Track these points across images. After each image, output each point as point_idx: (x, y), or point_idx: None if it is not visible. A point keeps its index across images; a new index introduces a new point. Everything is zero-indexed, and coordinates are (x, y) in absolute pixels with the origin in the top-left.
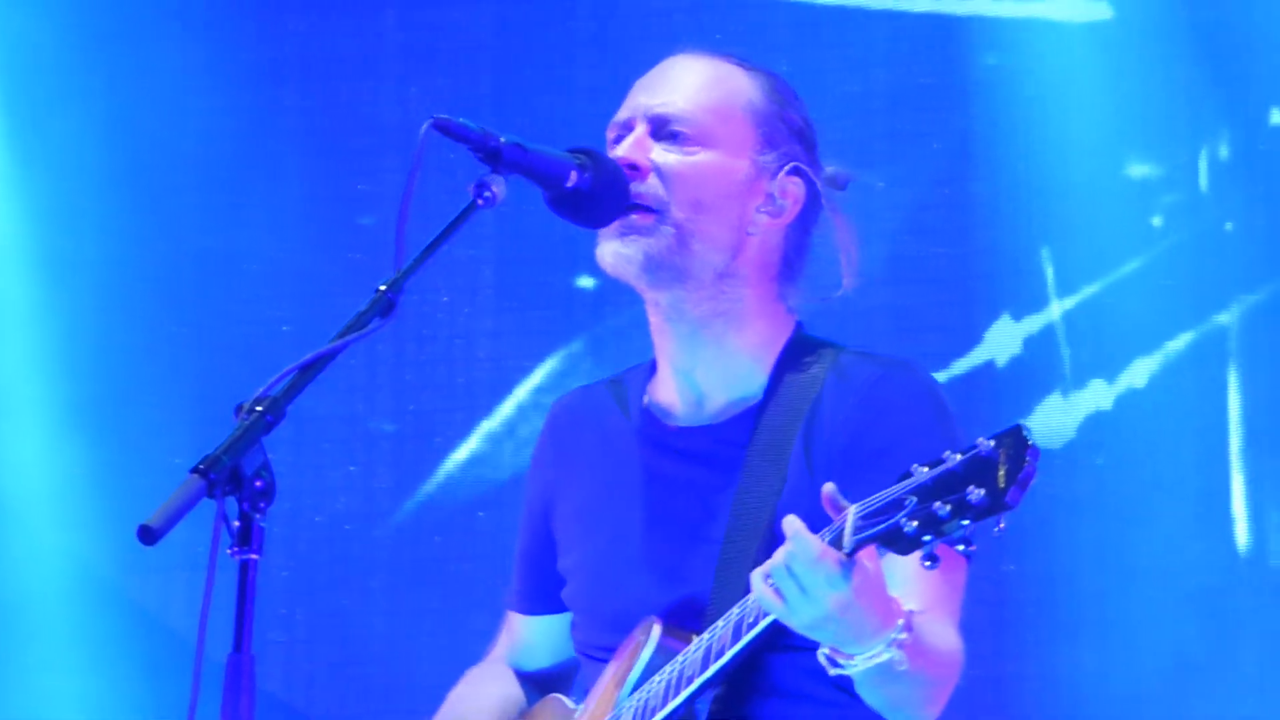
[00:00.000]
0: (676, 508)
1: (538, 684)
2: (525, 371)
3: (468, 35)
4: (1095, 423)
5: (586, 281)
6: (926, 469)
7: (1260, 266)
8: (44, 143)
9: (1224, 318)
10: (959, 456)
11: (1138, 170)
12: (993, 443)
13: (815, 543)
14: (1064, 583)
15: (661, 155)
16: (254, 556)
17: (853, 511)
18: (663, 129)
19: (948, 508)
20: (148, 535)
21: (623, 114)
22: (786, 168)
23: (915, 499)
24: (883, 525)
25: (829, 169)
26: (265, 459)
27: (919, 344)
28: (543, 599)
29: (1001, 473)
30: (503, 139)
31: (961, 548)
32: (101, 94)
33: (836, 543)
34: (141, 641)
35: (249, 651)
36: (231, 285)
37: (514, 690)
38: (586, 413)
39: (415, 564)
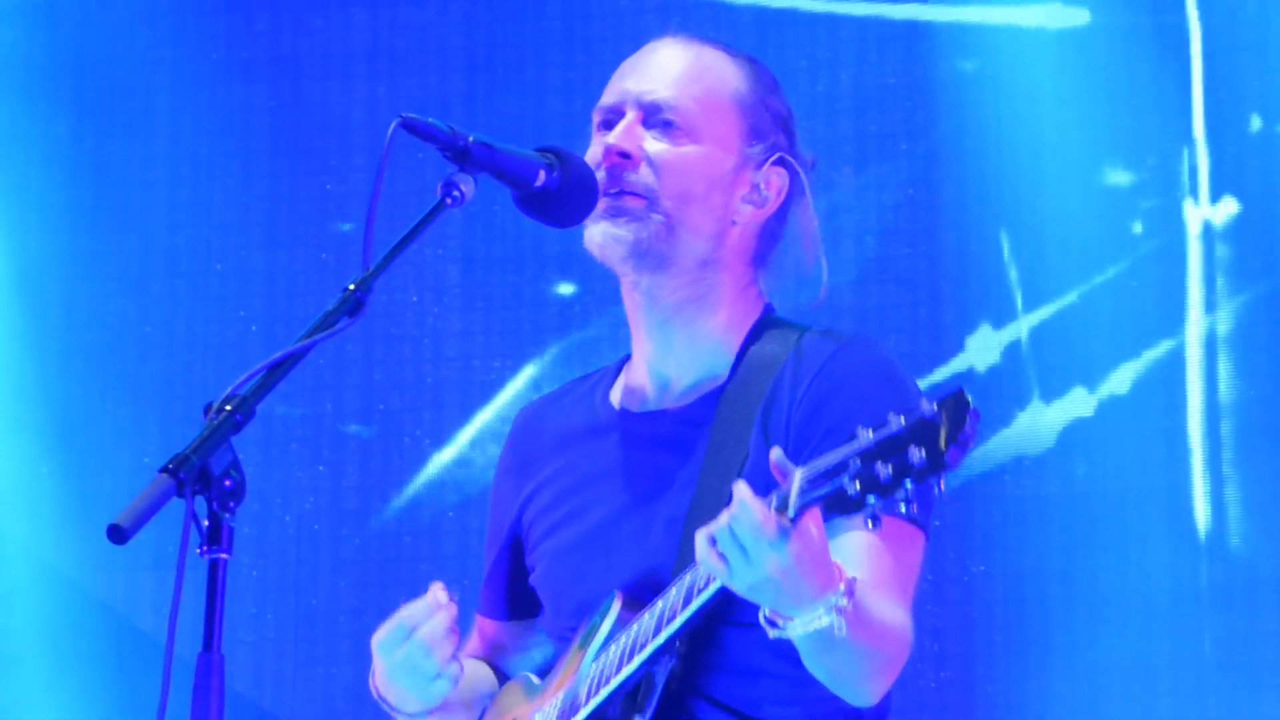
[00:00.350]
0: (641, 490)
1: None
2: (493, 372)
3: (437, 34)
4: (1076, 430)
5: (566, 288)
6: (871, 432)
7: (1242, 272)
8: (10, 140)
9: (1205, 324)
10: (902, 419)
11: (1117, 176)
12: (935, 406)
13: (758, 506)
14: (1032, 585)
15: (652, 144)
16: (224, 556)
17: (798, 475)
18: (653, 117)
19: (889, 469)
20: (117, 534)
21: (610, 98)
22: (772, 159)
23: (859, 461)
24: (827, 488)
25: (808, 155)
26: (234, 458)
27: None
28: (508, 605)
29: (943, 434)
30: (471, 138)
31: (904, 508)
32: (68, 91)
33: (783, 506)
34: (110, 641)
35: (219, 651)
36: (199, 284)
37: (486, 671)
38: (551, 415)
39: (384, 564)
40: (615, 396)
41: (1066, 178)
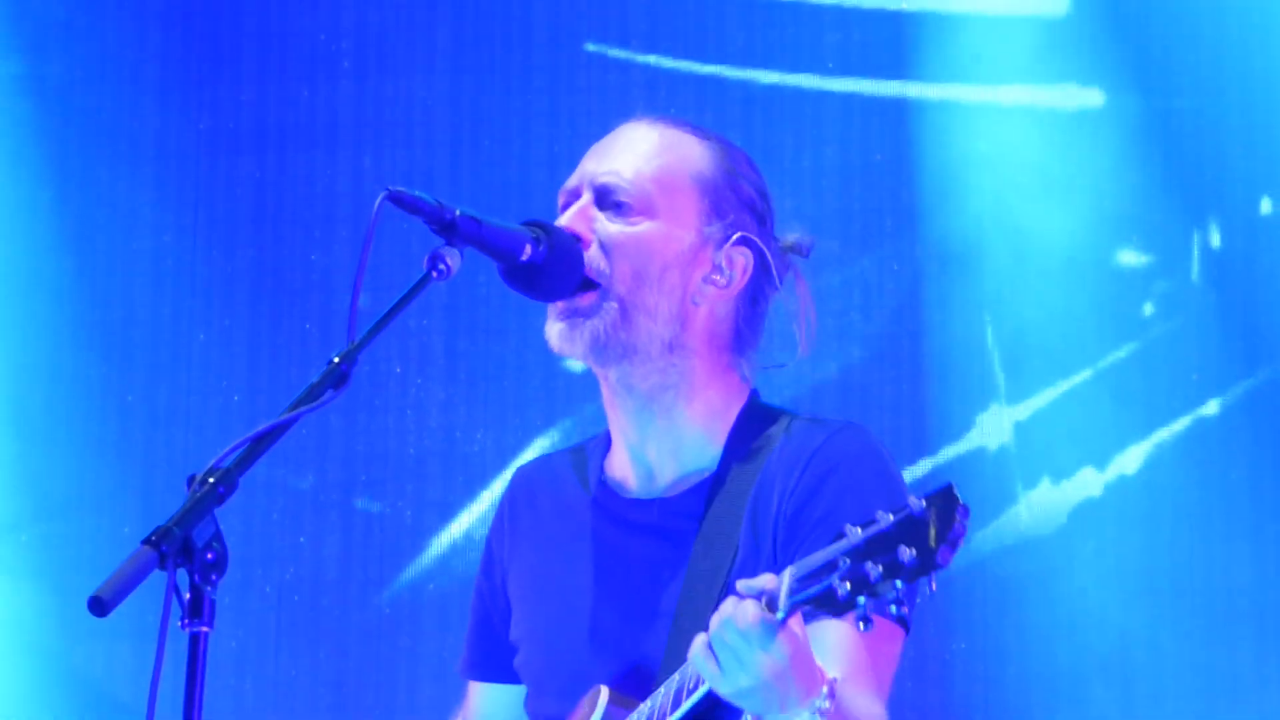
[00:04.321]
0: (629, 581)
1: None
2: (476, 444)
3: (422, 107)
4: (1085, 510)
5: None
6: (860, 530)
7: (1252, 355)
8: None
9: (1215, 407)
10: (891, 517)
11: (1128, 258)
12: (924, 502)
13: (749, 605)
14: (1015, 665)
15: (604, 226)
16: (205, 629)
17: (788, 574)
18: (606, 199)
19: (879, 569)
20: (98, 607)
21: (571, 181)
22: (734, 238)
23: (848, 560)
24: (816, 588)
25: (791, 236)
26: (217, 530)
27: (907, 430)
28: (495, 666)
29: (932, 532)
30: (458, 211)
31: (894, 609)
32: (53, 158)
33: (772, 606)
34: (89, 713)
35: None
36: (182, 354)
37: None
38: (545, 482)
39: (364, 636)
40: (604, 473)
41: (1077, 259)
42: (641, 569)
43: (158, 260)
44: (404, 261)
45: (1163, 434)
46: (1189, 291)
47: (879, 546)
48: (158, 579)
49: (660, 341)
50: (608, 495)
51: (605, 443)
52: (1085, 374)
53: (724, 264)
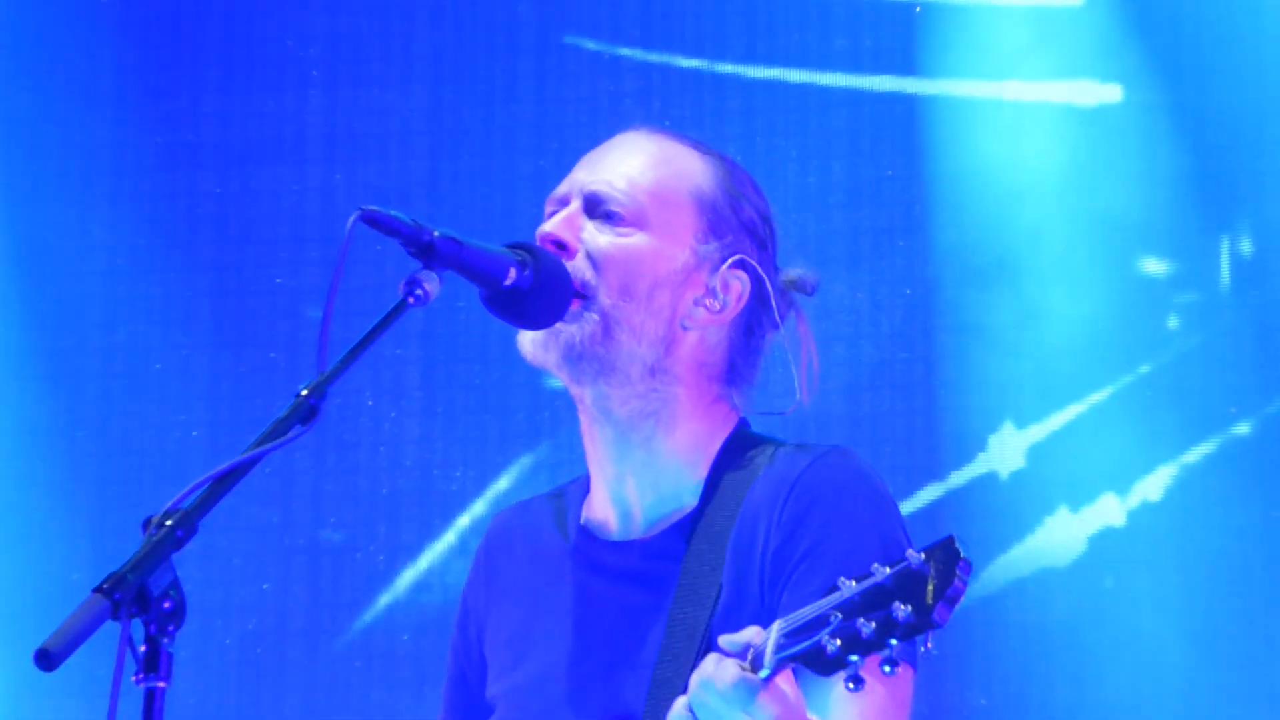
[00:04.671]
0: (609, 629)
1: None
2: (455, 482)
3: (398, 118)
4: (1105, 540)
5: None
6: (854, 583)
7: None
8: None
9: (1245, 427)
10: (887, 570)
11: (1151, 266)
12: (923, 556)
13: (730, 665)
14: (1036, 714)
15: (593, 235)
16: (161, 685)
17: (775, 629)
18: (597, 208)
19: (872, 625)
20: (45, 660)
21: (560, 189)
22: (731, 260)
23: (840, 615)
24: (805, 644)
25: (794, 272)
26: (174, 577)
27: (911, 453)
28: (476, 714)
29: (930, 588)
30: (436, 232)
31: (888, 669)
32: (1, 178)
33: (757, 663)
34: None
35: None
36: (137, 385)
37: None
38: (523, 531)
39: (333, 692)
40: (583, 518)
41: (1095, 269)
42: (621, 617)
43: (110, 284)
44: (378, 286)
45: (1190, 457)
46: (1217, 302)
47: (873, 602)
48: (110, 630)
49: (642, 363)
50: (586, 540)
51: (585, 486)
52: (1105, 392)
53: (718, 287)
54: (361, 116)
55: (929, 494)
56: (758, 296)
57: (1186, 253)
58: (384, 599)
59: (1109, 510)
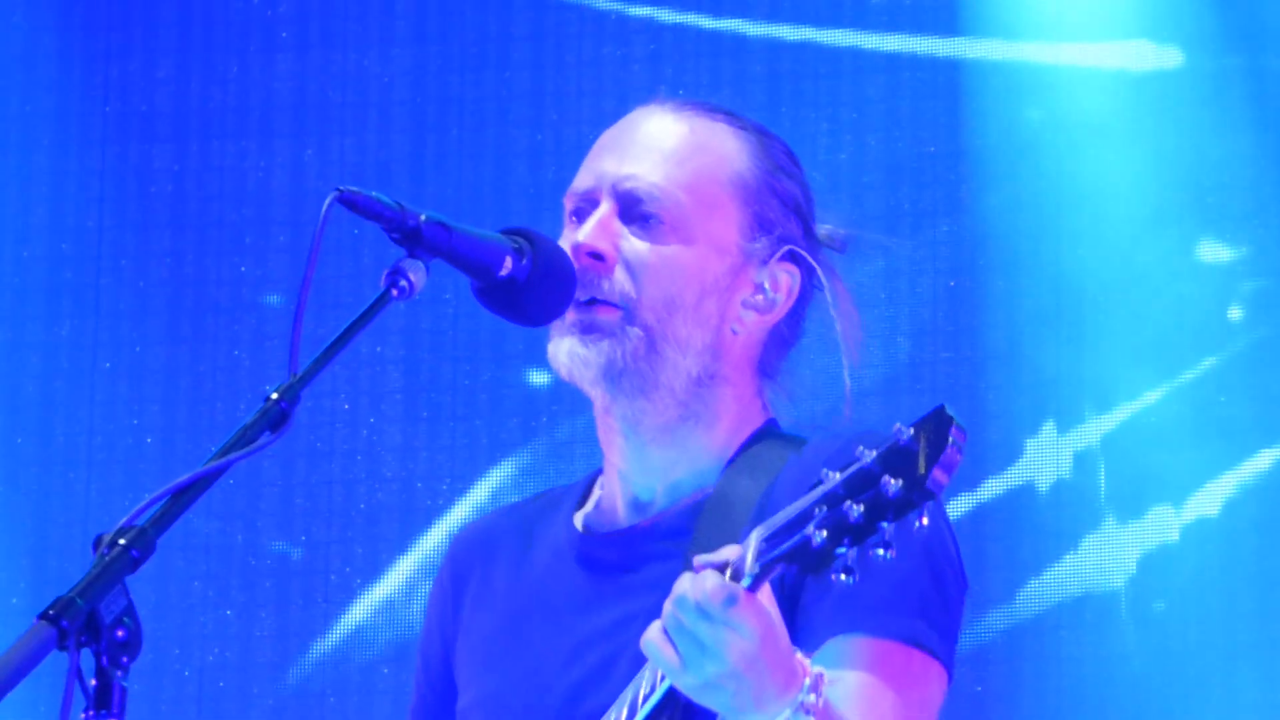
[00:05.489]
0: (601, 623)
1: None
2: (440, 495)
3: (377, 87)
4: (1157, 559)
5: (539, 377)
6: (838, 474)
7: None
8: None
9: None
10: (873, 452)
11: (1211, 252)
12: (911, 430)
13: (708, 576)
14: None
15: (631, 244)
16: None
17: (755, 536)
18: (632, 209)
19: (860, 508)
20: None
21: (583, 182)
22: (780, 253)
23: (825, 506)
24: (787, 544)
25: (823, 229)
26: (128, 603)
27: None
28: None
29: (922, 459)
30: (423, 217)
31: (882, 552)
32: None
33: (738, 574)
34: None
35: None
36: (82, 386)
37: None
38: (498, 537)
39: None
40: (579, 519)
41: (1150, 253)
42: (615, 607)
43: (54, 272)
44: (355, 276)
45: (1251, 466)
46: None
47: (860, 485)
48: (57, 661)
49: (687, 375)
50: (581, 537)
51: (581, 487)
52: (1158, 393)
53: (767, 284)
54: (336, 83)
55: (959, 505)
56: (805, 284)
57: (1251, 236)
58: (360, 624)
59: (1161, 524)
